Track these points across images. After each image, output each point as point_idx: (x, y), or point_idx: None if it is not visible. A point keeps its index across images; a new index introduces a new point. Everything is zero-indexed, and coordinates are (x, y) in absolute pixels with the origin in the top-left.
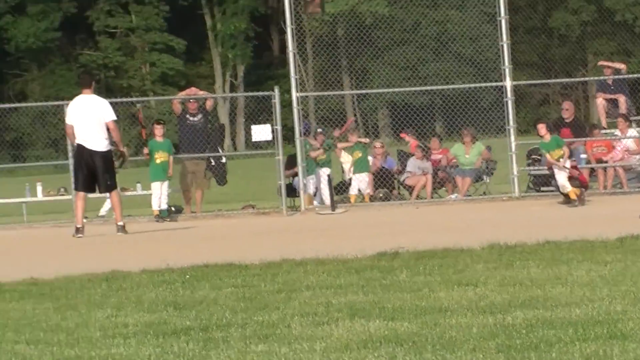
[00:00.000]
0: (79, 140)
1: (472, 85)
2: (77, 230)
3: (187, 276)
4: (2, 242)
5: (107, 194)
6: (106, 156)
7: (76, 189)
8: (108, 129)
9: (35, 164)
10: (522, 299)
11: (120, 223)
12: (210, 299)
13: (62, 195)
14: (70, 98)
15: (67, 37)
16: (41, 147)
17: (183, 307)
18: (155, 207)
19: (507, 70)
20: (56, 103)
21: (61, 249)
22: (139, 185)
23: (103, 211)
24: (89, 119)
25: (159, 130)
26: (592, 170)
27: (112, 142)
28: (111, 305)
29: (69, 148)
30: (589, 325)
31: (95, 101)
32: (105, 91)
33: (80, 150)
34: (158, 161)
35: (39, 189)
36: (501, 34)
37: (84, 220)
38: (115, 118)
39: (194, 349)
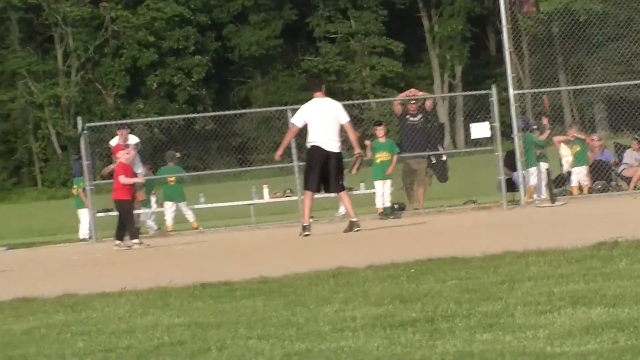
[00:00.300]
0: (316, 142)
1: None
2: (304, 228)
3: (412, 270)
4: (232, 243)
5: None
6: (339, 157)
7: (306, 188)
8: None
9: (261, 168)
10: None
11: (354, 219)
12: (435, 291)
13: (288, 196)
14: (293, 103)
15: (289, 44)
16: (266, 151)
17: (409, 300)
18: (379, 205)
19: None
20: (280, 108)
21: (289, 248)
22: (362, 184)
23: (342, 211)
24: (327, 121)
25: (380, 131)
26: None
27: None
28: (339, 300)
29: (294, 151)
30: None
31: (331, 103)
32: (327, 95)
33: (317, 151)
34: (379, 161)
35: (266, 191)
36: None
37: (311, 220)
38: (349, 119)
39: (420, 339)
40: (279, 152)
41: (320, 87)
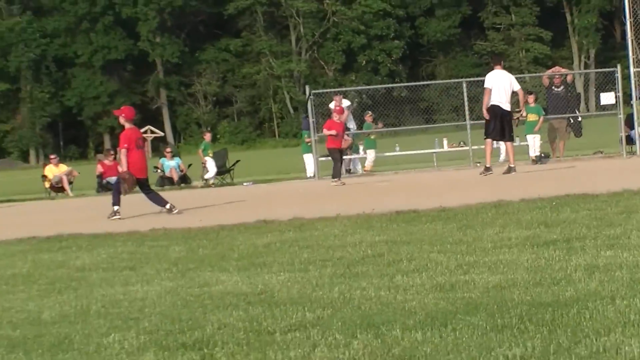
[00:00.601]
0: (494, 102)
1: None
2: (486, 169)
3: (554, 203)
4: (419, 182)
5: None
6: (510, 115)
7: (487, 137)
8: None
9: (442, 125)
10: None
11: (512, 165)
12: (570, 219)
13: (462, 147)
14: (467, 77)
15: (464, 32)
16: (446, 112)
17: (551, 225)
18: (531, 154)
19: None
20: (457, 80)
21: (461, 185)
22: (517, 138)
23: (502, 157)
24: (504, 87)
25: (531, 98)
26: None
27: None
28: (498, 224)
29: (467, 112)
30: None
31: (507, 75)
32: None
33: (496, 109)
34: (529, 120)
35: (445, 142)
36: None
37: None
38: (520, 87)
39: (559, 255)
40: (484, 110)
41: (500, 62)
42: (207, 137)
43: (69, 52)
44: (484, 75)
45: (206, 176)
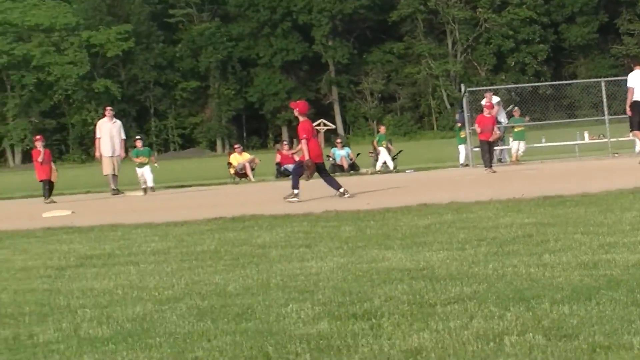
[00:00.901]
0: (637, 98)
1: None
2: None
3: None
4: (563, 170)
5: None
6: None
7: (633, 129)
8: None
9: (583, 119)
10: None
11: None
12: None
13: (601, 139)
14: (604, 76)
15: (602, 37)
16: (586, 108)
17: None
18: (637, 149)
19: None
20: (596, 80)
21: (600, 174)
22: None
23: (637, 148)
24: None
25: None
26: None
27: None
28: (636, 209)
29: (605, 108)
30: None
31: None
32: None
33: (638, 105)
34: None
35: (586, 135)
36: None
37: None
38: None
39: None
40: (628, 107)
41: (638, 63)
42: (382, 129)
43: (252, 53)
44: (621, 76)
45: (389, 165)
